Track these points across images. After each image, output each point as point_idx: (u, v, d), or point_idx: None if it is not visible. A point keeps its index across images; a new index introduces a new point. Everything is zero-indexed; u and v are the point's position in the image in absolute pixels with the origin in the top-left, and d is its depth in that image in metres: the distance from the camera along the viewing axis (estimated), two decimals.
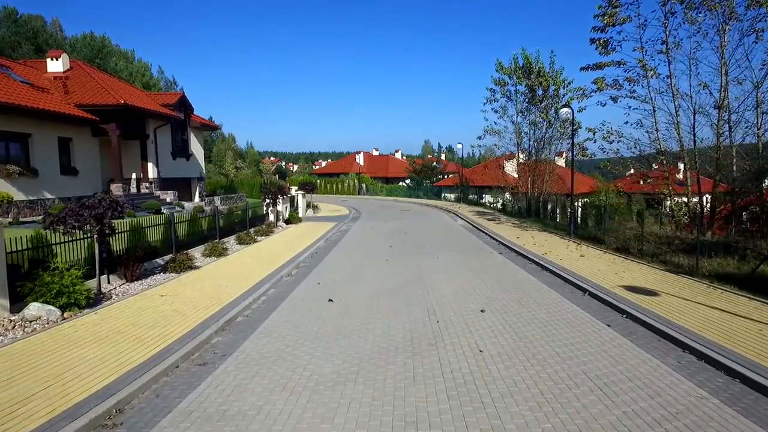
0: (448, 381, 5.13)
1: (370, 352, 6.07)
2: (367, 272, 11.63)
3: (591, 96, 15.56)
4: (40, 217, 16.02)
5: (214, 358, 6.03)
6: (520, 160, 32.82)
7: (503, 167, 36.72)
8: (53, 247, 8.65)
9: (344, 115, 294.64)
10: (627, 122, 15.70)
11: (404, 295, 9.18)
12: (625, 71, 15.77)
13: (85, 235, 9.28)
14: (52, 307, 7.25)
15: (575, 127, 29.62)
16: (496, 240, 17.47)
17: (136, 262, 10.24)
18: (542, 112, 29.60)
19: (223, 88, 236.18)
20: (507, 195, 36.64)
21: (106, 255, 9.80)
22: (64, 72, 23.03)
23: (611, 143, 15.97)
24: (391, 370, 5.44)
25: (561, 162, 40.25)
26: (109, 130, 20.94)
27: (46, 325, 6.95)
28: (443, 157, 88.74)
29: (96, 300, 8.37)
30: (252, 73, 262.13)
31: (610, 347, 6.21)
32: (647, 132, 15.61)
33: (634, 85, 14.86)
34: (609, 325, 7.16)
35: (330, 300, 8.85)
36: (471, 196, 44.49)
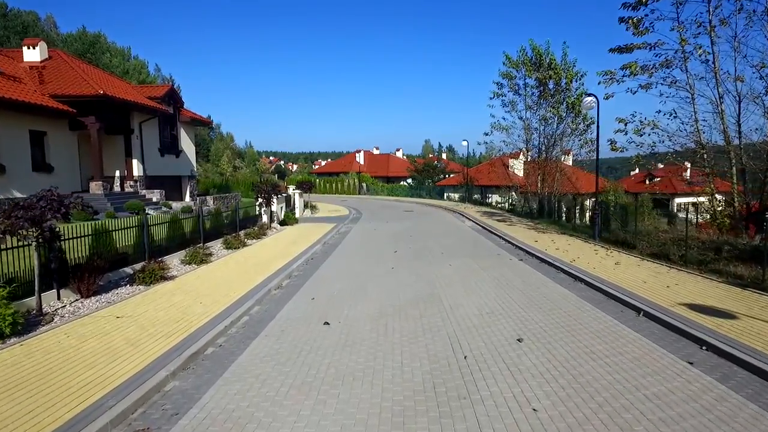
0: None
1: (378, 410, 4.36)
2: (370, 284, 9.92)
3: (623, 81, 13.84)
4: None
5: (161, 419, 4.32)
6: (529, 158, 31.15)
7: (512, 166, 35.03)
8: None
9: (344, 115, 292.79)
10: (660, 111, 13.95)
11: (418, 316, 7.47)
12: (656, 56, 14.05)
13: (23, 242, 7.55)
14: None
15: (588, 122, 28.16)
16: (512, 244, 15.77)
17: (94, 273, 8.52)
18: (553, 107, 27.95)
19: (223, 88, 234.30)
20: (513, 194, 34.97)
21: (55, 265, 8.10)
22: (41, 61, 21.28)
23: (641, 136, 14.24)
24: None
25: (569, 161, 38.62)
26: (88, 124, 19.23)
27: None
28: (444, 156, 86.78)
29: (31, 324, 6.66)
30: (252, 73, 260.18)
31: (709, 401, 4.50)
32: (683, 123, 13.89)
33: (672, 68, 13.15)
34: (691, 363, 5.45)
35: (326, 323, 7.14)
36: (475, 196, 42.82)
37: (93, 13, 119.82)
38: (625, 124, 13.84)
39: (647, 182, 64.27)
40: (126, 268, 10.38)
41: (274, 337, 6.60)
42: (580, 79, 27.00)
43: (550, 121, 28.64)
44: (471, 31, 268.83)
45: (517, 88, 29.28)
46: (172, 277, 10.13)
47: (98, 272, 8.70)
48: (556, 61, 27.15)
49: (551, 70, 27.15)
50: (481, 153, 53.60)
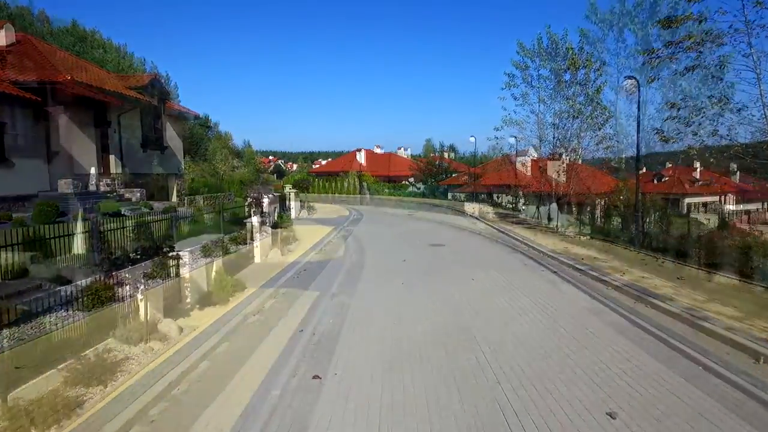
0: None
1: None
2: (375, 307, 7.73)
3: (676, 59, 11.68)
4: None
5: None
6: (541, 155, 29.02)
7: (523, 164, 32.88)
8: None
9: (344, 115, 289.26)
10: (711, 96, 11.77)
11: (446, 365, 5.26)
12: (705, 33, 11.85)
13: None
14: None
15: (606, 116, 26.06)
16: (537, 250, 13.56)
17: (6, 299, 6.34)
18: (570, 99, 25.82)
19: (223, 88, 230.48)
20: (523, 193, 32.83)
21: None
22: (6, 46, 19.06)
23: (689, 125, 12.06)
24: None
25: (578, 159, 36.51)
26: (56, 114, 17.06)
27: None
28: (446, 156, 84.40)
29: None
30: (252, 73, 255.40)
31: None
32: (740, 111, 11.69)
33: (738, 43, 10.95)
34: None
35: (316, 377, 4.96)
36: (482, 196, 40.66)
37: (95, 14, 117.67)
38: (678, 110, 11.66)
39: (655, 181, 62.30)
40: (69, 287, 8.17)
41: (231, 408, 4.40)
42: (598, 69, 24.88)
43: (566, 115, 26.57)
44: (471, 32, 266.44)
45: (530, 79, 27.14)
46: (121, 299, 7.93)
47: (13, 299, 6.51)
48: (574, 50, 25.03)
49: (568, 60, 25.05)
50: (482, 152, 50.96)
